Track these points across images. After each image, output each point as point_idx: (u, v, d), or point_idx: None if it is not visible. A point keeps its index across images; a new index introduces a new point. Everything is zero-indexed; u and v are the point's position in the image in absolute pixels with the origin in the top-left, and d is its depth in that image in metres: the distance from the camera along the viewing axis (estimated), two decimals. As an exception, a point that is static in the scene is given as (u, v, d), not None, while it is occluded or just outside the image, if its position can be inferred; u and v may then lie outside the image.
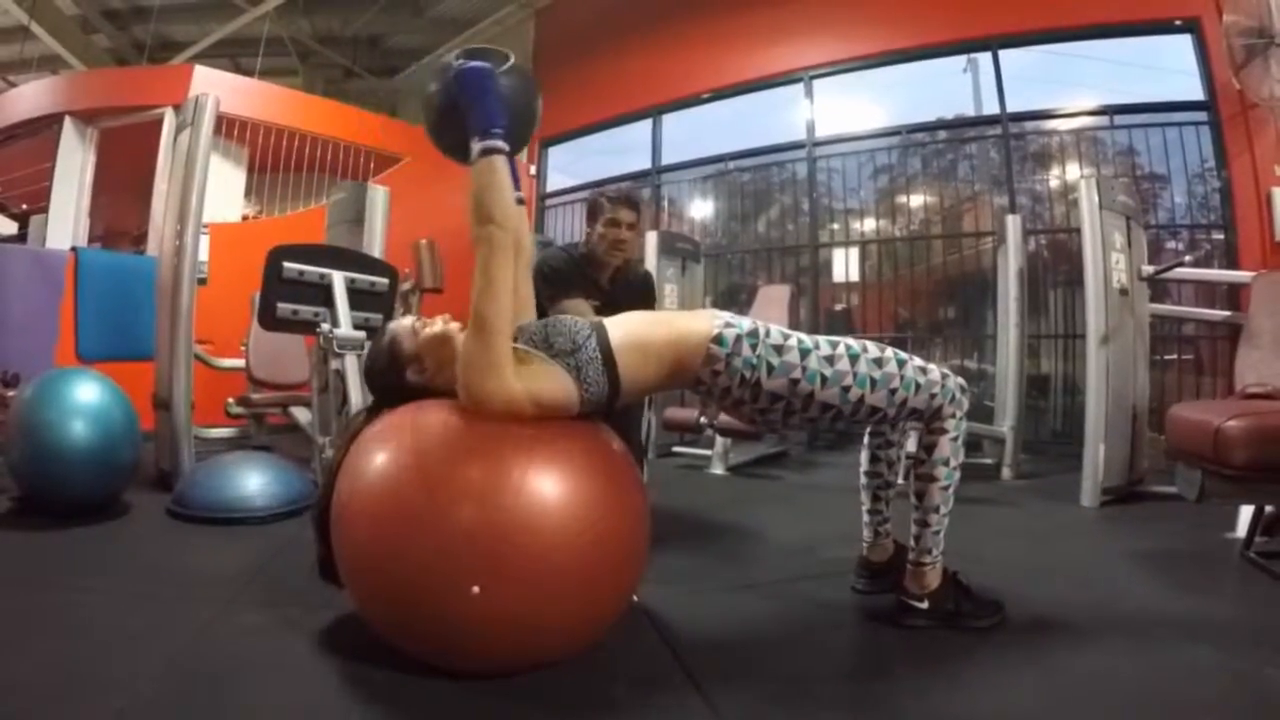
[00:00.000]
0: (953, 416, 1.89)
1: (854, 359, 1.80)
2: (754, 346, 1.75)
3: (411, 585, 1.50)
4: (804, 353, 1.77)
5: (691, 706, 1.49)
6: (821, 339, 1.83)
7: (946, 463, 1.90)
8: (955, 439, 1.90)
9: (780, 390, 1.76)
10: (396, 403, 1.78)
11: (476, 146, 1.62)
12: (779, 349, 1.77)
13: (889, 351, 1.85)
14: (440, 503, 1.50)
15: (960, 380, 1.93)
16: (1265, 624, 1.98)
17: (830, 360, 1.78)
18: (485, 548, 1.46)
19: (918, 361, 1.88)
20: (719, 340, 1.75)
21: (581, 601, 1.59)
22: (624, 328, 1.78)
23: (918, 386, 1.84)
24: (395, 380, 1.80)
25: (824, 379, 1.76)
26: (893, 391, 1.81)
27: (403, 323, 1.85)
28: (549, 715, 1.46)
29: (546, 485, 1.54)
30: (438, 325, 1.81)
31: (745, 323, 1.80)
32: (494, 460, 1.55)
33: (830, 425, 1.87)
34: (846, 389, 1.78)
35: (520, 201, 1.76)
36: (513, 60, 1.78)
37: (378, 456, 1.61)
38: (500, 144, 1.63)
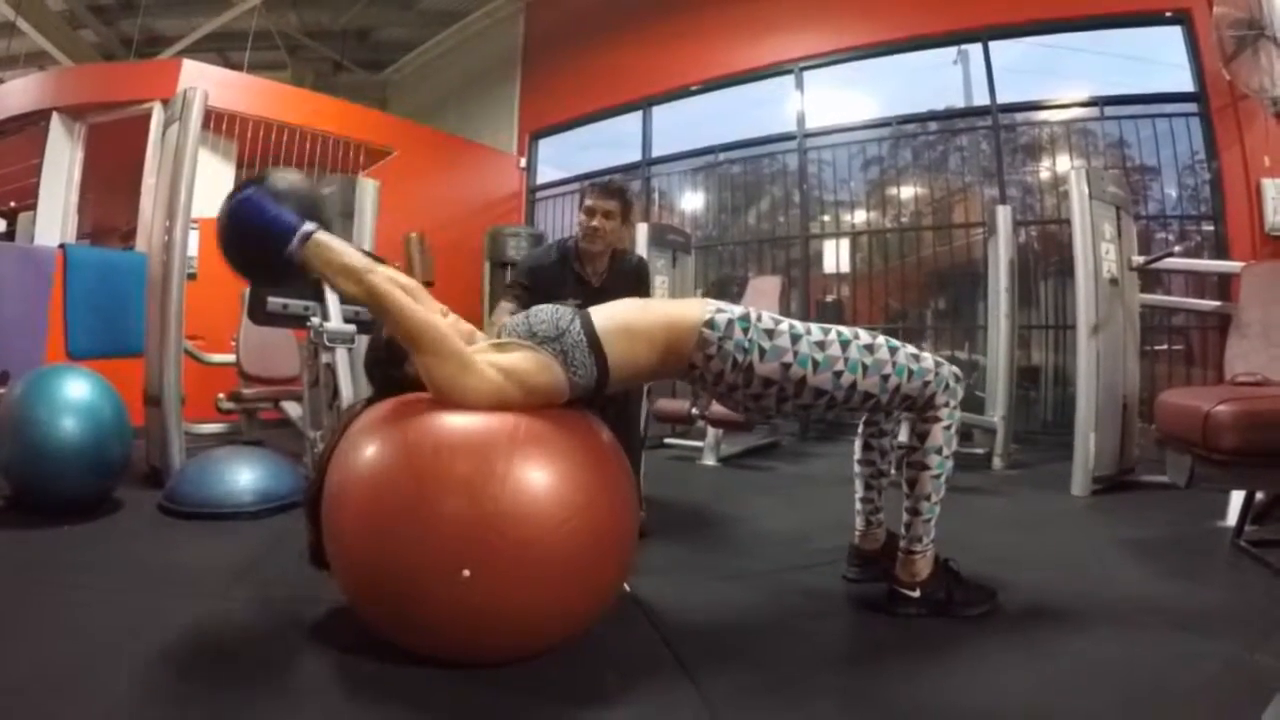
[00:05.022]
0: (946, 405, 1.90)
1: (845, 345, 1.80)
2: (745, 330, 1.76)
3: (401, 576, 1.50)
4: (795, 338, 1.77)
5: (682, 694, 1.49)
6: (813, 325, 1.83)
7: (939, 451, 1.91)
8: (949, 428, 1.91)
9: (773, 375, 1.76)
10: (396, 394, 1.79)
11: (295, 242, 1.63)
12: (770, 333, 1.77)
13: (880, 339, 1.86)
14: (429, 494, 1.50)
15: (954, 369, 1.93)
16: (1255, 611, 1.99)
17: (822, 345, 1.78)
18: (473, 537, 1.46)
19: (910, 349, 1.88)
20: (711, 324, 1.75)
21: (569, 589, 1.59)
22: (608, 312, 1.78)
23: (910, 373, 1.84)
24: (395, 372, 1.81)
25: (816, 364, 1.77)
26: (885, 377, 1.82)
27: None
28: (541, 704, 1.46)
29: (532, 474, 1.54)
30: None
31: (737, 309, 1.80)
32: (481, 450, 1.55)
33: (825, 412, 1.87)
34: (839, 374, 1.78)
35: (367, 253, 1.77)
36: (271, 175, 1.78)
37: (367, 449, 1.61)
38: (308, 226, 1.65)
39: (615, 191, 2.88)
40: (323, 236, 1.65)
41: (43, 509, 2.81)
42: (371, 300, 1.63)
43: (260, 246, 1.67)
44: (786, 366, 1.76)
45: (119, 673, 1.54)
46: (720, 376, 1.78)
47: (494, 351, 1.69)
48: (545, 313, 1.76)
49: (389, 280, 1.65)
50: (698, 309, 1.79)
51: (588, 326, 1.73)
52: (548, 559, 1.51)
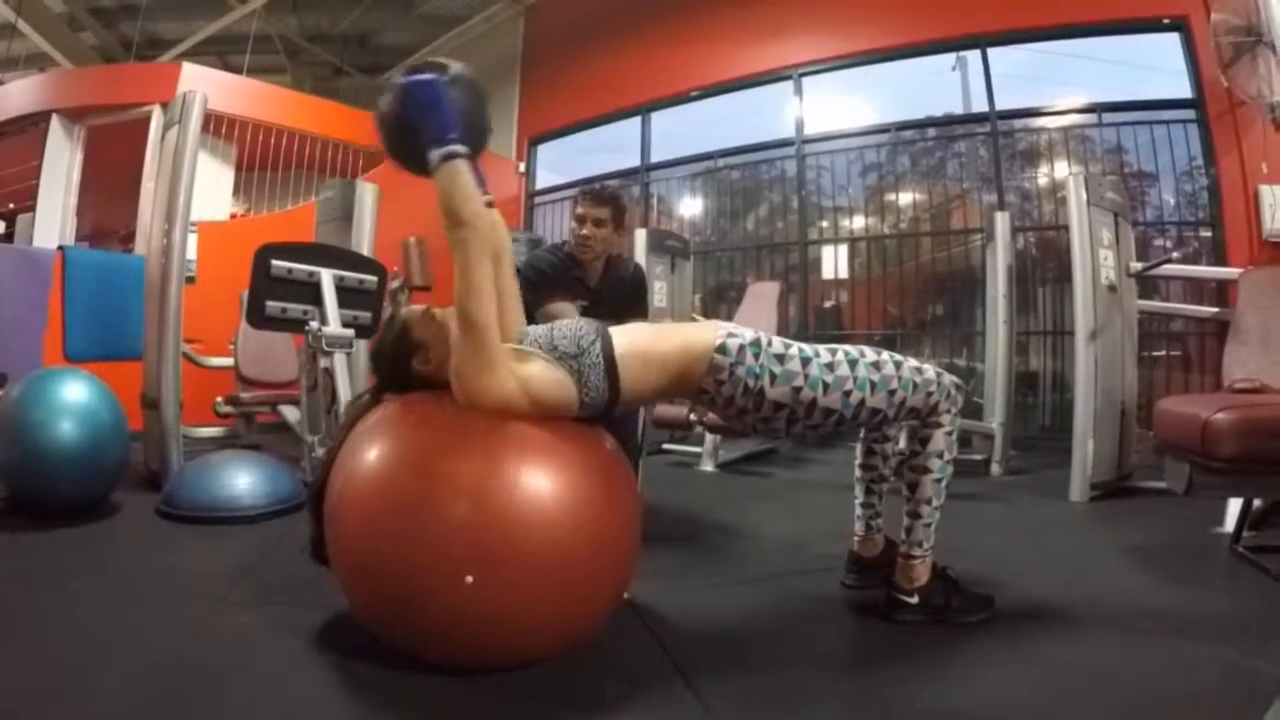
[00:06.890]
0: (948, 412, 1.91)
1: (853, 364, 1.82)
2: (756, 355, 1.77)
3: (404, 578, 1.49)
4: (805, 361, 1.79)
5: (681, 701, 1.49)
6: (820, 347, 1.85)
7: (940, 456, 1.92)
8: (950, 433, 1.92)
9: (783, 399, 1.78)
10: (399, 389, 1.81)
11: (435, 155, 1.59)
12: (780, 358, 1.78)
13: (885, 355, 1.88)
14: (435, 497, 1.49)
15: (955, 378, 1.95)
16: (1253, 617, 1.99)
17: (830, 367, 1.80)
18: (478, 543, 1.46)
19: (913, 362, 1.90)
20: (722, 350, 1.76)
21: (574, 599, 1.59)
22: (629, 337, 1.78)
23: (915, 386, 1.86)
24: (401, 365, 1.80)
25: (826, 385, 1.78)
26: (892, 392, 1.84)
27: (415, 310, 1.86)
28: (540, 710, 1.46)
29: (541, 482, 1.54)
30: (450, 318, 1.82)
31: (748, 333, 1.81)
32: (489, 456, 1.55)
33: (834, 430, 1.89)
34: (848, 394, 1.80)
35: (490, 203, 1.74)
36: (457, 69, 1.74)
37: (375, 448, 1.61)
38: (458, 148, 1.60)
39: (606, 199, 2.85)
40: (459, 167, 1.60)
41: (40, 512, 2.80)
42: (455, 251, 1.60)
43: (411, 132, 1.64)
44: (797, 390, 1.77)
45: (116, 677, 1.53)
46: (731, 401, 1.79)
47: (514, 359, 1.68)
48: (569, 328, 1.76)
49: (487, 248, 1.63)
50: (709, 333, 1.79)
51: (608, 350, 1.73)
52: (552, 568, 1.51)
